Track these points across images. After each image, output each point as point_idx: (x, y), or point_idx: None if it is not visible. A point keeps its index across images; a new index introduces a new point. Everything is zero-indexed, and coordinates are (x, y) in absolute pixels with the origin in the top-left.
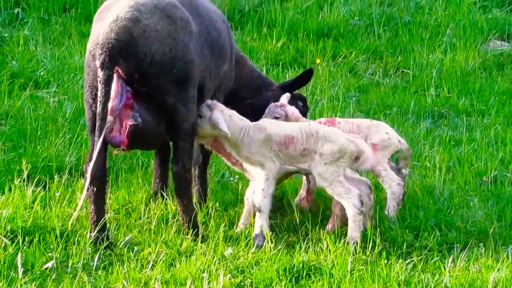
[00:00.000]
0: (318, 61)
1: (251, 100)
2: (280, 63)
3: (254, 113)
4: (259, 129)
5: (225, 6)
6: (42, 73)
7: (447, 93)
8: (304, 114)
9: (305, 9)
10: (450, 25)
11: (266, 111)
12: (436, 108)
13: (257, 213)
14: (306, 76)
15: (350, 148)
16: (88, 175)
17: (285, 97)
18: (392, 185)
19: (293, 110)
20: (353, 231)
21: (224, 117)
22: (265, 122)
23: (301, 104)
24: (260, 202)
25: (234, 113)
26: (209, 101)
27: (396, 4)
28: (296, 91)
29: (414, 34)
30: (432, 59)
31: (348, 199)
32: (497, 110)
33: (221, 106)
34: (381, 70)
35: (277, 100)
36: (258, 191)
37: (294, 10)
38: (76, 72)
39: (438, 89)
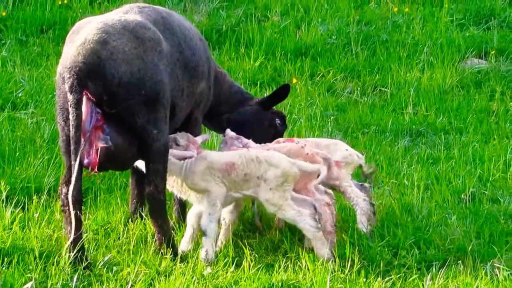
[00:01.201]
0: (294, 80)
1: (228, 115)
2: (258, 82)
3: (230, 127)
4: (199, 160)
5: (202, 25)
6: (20, 94)
7: (425, 111)
8: (281, 132)
9: (283, 29)
10: (428, 44)
11: (222, 144)
12: (414, 126)
13: (203, 237)
14: (282, 92)
15: (293, 171)
16: (70, 200)
17: (228, 131)
18: (359, 201)
19: (247, 141)
20: (321, 250)
21: None
22: (205, 152)
23: (279, 122)
24: (206, 227)
25: (175, 153)
26: None
27: (374, 23)
28: (275, 108)
29: (392, 53)
30: (410, 77)
31: (303, 221)
32: (474, 128)
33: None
34: (359, 88)
35: (257, 116)
36: (204, 215)
37: (271, 30)
38: (54, 93)
39: (416, 107)
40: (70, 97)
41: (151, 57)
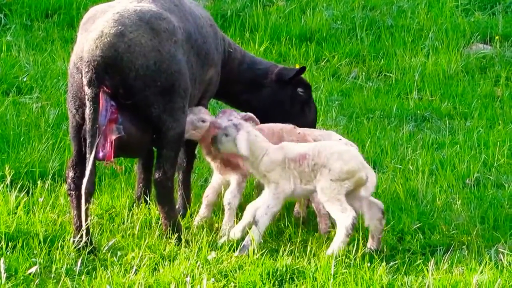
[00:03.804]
0: (297, 67)
1: (247, 96)
2: None
3: (258, 111)
4: (278, 150)
5: (207, 10)
6: (25, 79)
7: (430, 97)
8: (305, 101)
9: (288, 13)
10: (433, 29)
11: (221, 114)
12: (418, 112)
13: (253, 227)
14: (300, 72)
15: (360, 174)
16: (83, 193)
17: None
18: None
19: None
20: (336, 247)
21: (250, 138)
22: (283, 143)
23: (301, 90)
24: (260, 217)
25: (259, 134)
26: (236, 121)
27: (379, 8)
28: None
29: (397, 38)
30: (415, 62)
31: (342, 219)
32: (479, 113)
33: (247, 126)
34: (363, 73)
35: (277, 97)
36: (263, 206)
37: (276, 15)
38: (59, 78)
39: (420, 92)
40: (88, 91)
41: (167, 47)
